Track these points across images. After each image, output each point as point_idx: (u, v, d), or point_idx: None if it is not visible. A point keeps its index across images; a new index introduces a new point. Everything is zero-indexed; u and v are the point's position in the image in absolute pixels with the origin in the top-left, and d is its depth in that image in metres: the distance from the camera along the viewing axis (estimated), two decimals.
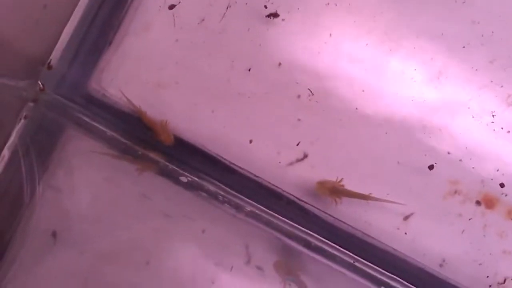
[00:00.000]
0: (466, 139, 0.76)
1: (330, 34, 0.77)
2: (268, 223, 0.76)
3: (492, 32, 0.76)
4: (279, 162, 0.77)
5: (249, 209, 0.75)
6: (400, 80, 0.76)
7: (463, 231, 0.76)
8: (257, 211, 0.76)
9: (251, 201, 0.76)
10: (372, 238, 0.77)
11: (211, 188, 0.75)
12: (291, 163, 0.77)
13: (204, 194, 0.76)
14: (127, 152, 0.76)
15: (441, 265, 0.77)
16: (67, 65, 0.77)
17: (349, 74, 0.76)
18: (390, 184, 0.77)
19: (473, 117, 0.76)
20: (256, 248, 0.76)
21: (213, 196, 0.75)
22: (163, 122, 0.75)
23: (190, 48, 0.77)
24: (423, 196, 0.77)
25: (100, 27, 0.77)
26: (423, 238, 0.77)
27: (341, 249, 0.76)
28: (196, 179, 0.75)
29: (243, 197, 0.76)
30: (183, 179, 0.75)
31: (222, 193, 0.75)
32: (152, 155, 0.76)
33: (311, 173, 0.76)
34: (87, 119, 0.76)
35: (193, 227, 0.76)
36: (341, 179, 0.75)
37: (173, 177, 0.76)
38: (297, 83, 0.76)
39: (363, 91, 0.76)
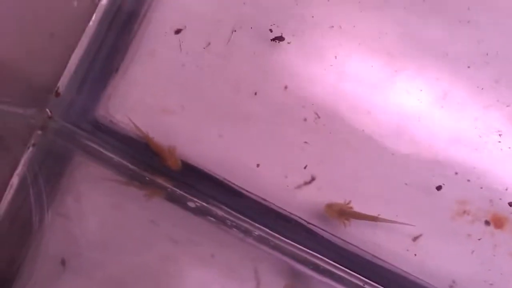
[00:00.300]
0: (474, 158, 0.76)
1: (336, 56, 0.77)
2: (277, 247, 0.76)
3: (497, 51, 0.76)
4: (287, 186, 0.77)
5: (257, 233, 0.75)
6: (406, 100, 0.77)
7: (472, 251, 0.76)
8: (265, 235, 0.76)
9: (259, 225, 0.76)
10: (382, 260, 0.76)
11: (219, 212, 0.75)
12: (299, 186, 0.77)
13: (212, 219, 0.76)
14: (135, 178, 0.76)
15: (451, 287, 0.76)
16: (75, 92, 0.78)
17: (355, 96, 0.77)
18: (398, 205, 0.76)
19: (480, 136, 0.76)
20: (265, 272, 0.76)
21: (221, 220, 0.75)
22: (171, 148, 0.76)
23: (196, 73, 0.78)
24: (431, 217, 0.76)
25: (106, 54, 0.78)
26: (433, 259, 0.76)
27: (351, 271, 0.76)
28: (204, 203, 0.75)
29: (251, 221, 0.76)
30: (191, 204, 0.75)
31: (230, 217, 0.75)
32: (160, 180, 0.76)
33: (319, 195, 0.76)
34: (95, 146, 0.77)
35: (201, 252, 0.76)
36: (350, 201, 0.75)
37: (181, 203, 0.76)
38: (303, 106, 0.77)
39: (369, 112, 0.76)
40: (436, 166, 0.76)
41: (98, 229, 0.76)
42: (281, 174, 0.77)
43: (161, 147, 0.75)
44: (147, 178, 0.76)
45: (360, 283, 0.75)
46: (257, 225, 0.76)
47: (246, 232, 0.75)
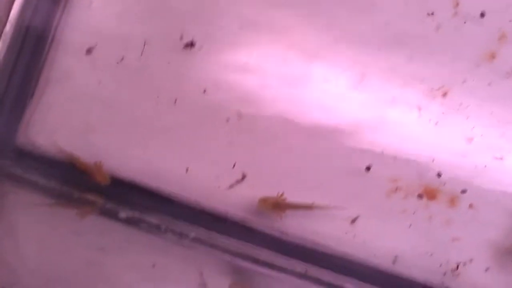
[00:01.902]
0: (397, 136, 0.78)
1: (250, 55, 0.78)
2: (218, 247, 0.77)
3: (405, 30, 0.78)
4: (219, 186, 0.77)
5: (193, 235, 0.75)
6: (324, 88, 0.78)
7: (410, 225, 0.78)
8: (204, 237, 0.76)
9: (196, 228, 0.76)
10: (322, 245, 0.77)
11: (153, 220, 0.76)
12: (231, 186, 0.77)
13: (147, 227, 0.76)
14: (65, 199, 0.76)
15: (394, 262, 0.78)
16: None
17: (274, 90, 0.78)
18: (331, 191, 0.78)
19: (400, 114, 0.78)
20: (210, 274, 0.76)
21: (156, 228, 0.76)
22: (97, 164, 0.75)
23: (114, 88, 0.78)
24: (365, 198, 0.78)
25: (20, 81, 0.77)
26: (373, 239, 0.78)
27: (293, 261, 0.77)
28: (137, 213, 0.75)
29: (188, 225, 0.76)
30: (122, 215, 0.75)
31: (164, 223, 0.76)
32: (90, 197, 0.76)
33: (252, 192, 0.77)
34: (20, 173, 0.76)
35: (142, 263, 0.75)
36: (282, 193, 0.76)
37: (112, 214, 0.75)
38: (224, 107, 0.77)
39: (290, 104, 0.78)
40: (363, 148, 0.78)
41: (35, 256, 0.75)
42: (211, 175, 0.77)
43: (87, 164, 0.75)
44: (75, 196, 0.76)
45: (302, 271, 0.76)
46: (194, 228, 0.76)
47: (182, 235, 0.75)
